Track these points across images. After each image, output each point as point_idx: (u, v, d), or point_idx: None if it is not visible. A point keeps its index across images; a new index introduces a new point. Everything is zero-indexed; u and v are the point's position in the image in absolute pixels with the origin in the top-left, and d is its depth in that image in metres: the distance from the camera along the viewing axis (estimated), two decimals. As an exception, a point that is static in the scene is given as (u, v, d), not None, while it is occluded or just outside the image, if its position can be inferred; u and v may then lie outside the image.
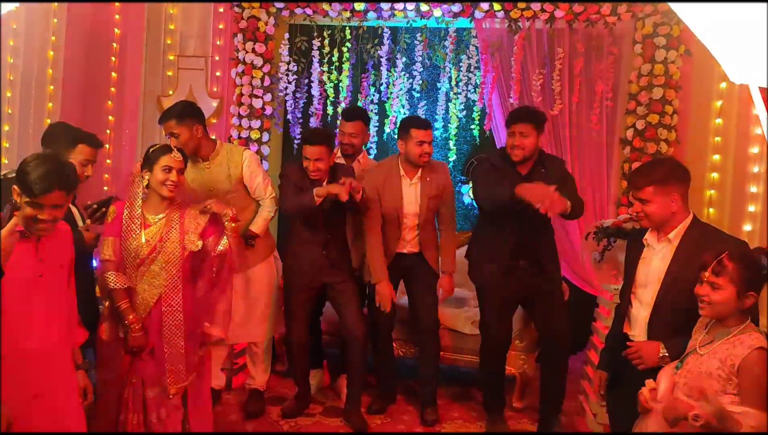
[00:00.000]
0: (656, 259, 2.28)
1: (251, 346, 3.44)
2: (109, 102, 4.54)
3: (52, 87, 4.11)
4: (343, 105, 4.48)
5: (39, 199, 1.90)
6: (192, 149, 3.07)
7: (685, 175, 2.27)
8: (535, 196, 2.73)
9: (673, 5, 0.97)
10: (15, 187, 1.95)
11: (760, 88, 1.26)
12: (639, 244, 2.36)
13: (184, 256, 2.53)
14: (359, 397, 3.37)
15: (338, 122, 3.76)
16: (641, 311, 2.30)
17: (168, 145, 2.60)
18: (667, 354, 2.12)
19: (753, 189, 3.72)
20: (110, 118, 4.53)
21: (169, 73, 4.56)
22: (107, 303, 2.56)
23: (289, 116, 4.50)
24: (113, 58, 4.54)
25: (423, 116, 4.36)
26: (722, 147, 3.89)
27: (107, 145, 4.50)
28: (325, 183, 3.12)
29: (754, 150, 3.72)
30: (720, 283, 1.91)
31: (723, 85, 3.86)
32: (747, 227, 3.69)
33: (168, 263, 2.51)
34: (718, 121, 3.90)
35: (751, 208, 3.71)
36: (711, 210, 3.86)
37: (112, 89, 4.55)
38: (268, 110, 4.37)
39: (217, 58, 4.48)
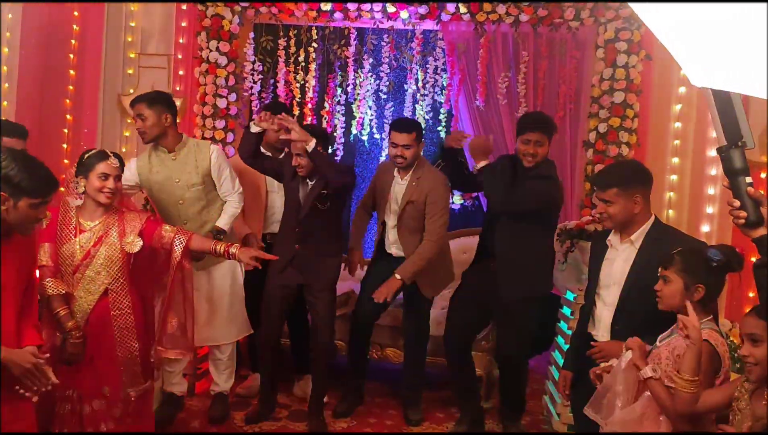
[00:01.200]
0: (619, 260, 2.32)
1: (214, 351, 3.35)
2: (67, 100, 4.41)
3: (6, 84, 3.97)
4: (309, 106, 4.45)
5: (48, 197, 1.94)
6: (155, 136, 3.06)
7: (648, 178, 2.33)
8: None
9: (633, 5, 0.98)
10: (6, 196, 1.87)
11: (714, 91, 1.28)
12: (603, 246, 2.39)
13: (124, 259, 2.49)
14: (321, 402, 3.34)
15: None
16: (604, 311, 2.33)
17: (104, 151, 2.53)
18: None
19: (711, 191, 3.82)
20: (68, 117, 4.40)
21: (130, 72, 4.46)
22: (44, 311, 2.46)
23: (254, 116, 4.44)
24: (71, 56, 4.41)
25: (390, 118, 4.37)
26: (681, 150, 3.99)
27: (65, 145, 4.37)
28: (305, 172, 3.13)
29: (712, 153, 3.81)
30: (669, 275, 1.98)
31: (682, 89, 3.96)
32: (705, 228, 3.79)
33: (107, 267, 2.46)
34: (677, 124, 3.99)
35: (709, 210, 3.81)
36: (670, 211, 3.96)
37: (71, 87, 4.42)
38: (233, 110, 4.29)
39: (179, 56, 4.39)
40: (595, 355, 2.25)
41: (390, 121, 4.11)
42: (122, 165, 2.56)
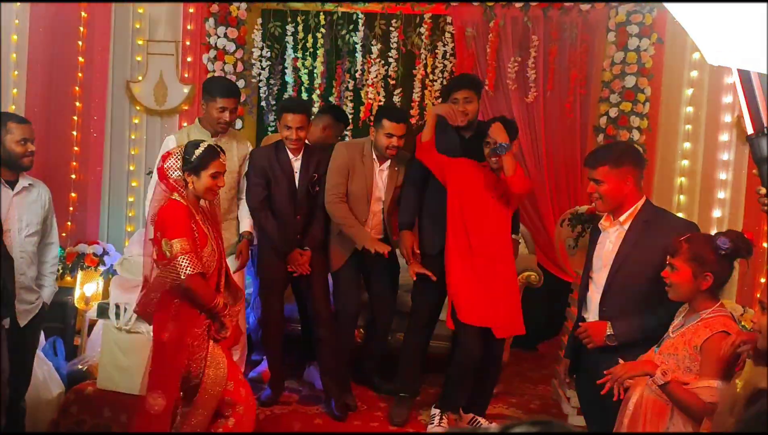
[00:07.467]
0: (608, 243, 2.31)
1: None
2: (76, 87, 4.41)
3: (16, 72, 3.97)
4: (317, 92, 4.43)
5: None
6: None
7: (639, 159, 2.31)
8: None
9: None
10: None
11: (739, 70, 1.27)
12: (597, 230, 2.39)
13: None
14: (346, 378, 3.41)
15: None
16: (595, 294, 2.32)
17: (215, 148, 2.41)
18: (613, 333, 2.16)
19: (722, 176, 3.79)
20: (77, 104, 4.41)
21: (138, 59, 4.45)
22: None
23: (262, 103, 4.44)
24: (80, 43, 4.41)
25: (398, 104, 4.34)
26: (692, 135, 3.95)
27: (75, 132, 4.39)
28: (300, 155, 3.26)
29: (724, 137, 3.78)
30: (676, 264, 1.96)
31: (694, 73, 3.92)
32: (716, 213, 3.77)
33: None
34: (689, 109, 3.96)
35: (721, 195, 3.78)
36: (681, 197, 3.93)
37: (79, 74, 4.42)
38: (241, 97, 4.29)
39: (188, 42, 4.38)
40: (580, 335, 2.26)
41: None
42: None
